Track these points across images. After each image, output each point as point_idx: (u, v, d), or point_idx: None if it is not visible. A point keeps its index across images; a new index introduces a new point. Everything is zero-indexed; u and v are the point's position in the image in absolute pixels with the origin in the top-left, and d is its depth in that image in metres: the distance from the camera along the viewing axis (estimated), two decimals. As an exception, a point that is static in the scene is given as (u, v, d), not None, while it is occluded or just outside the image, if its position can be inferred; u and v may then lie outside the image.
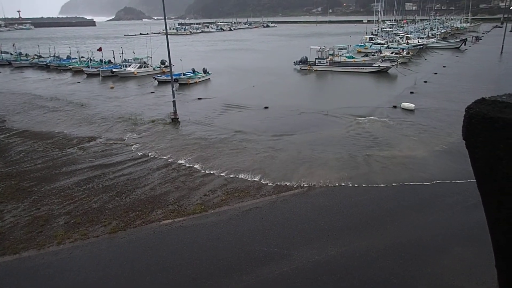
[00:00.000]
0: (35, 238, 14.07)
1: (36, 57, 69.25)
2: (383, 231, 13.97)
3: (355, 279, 11.48)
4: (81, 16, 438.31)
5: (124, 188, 18.02)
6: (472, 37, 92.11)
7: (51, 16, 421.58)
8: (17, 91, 43.92)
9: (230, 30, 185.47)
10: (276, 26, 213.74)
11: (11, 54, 73.17)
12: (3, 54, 72.87)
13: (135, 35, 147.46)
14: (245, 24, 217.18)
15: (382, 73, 49.23)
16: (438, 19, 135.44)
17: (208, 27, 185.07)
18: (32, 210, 16.17)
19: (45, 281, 11.81)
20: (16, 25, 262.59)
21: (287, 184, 17.98)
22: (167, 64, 51.12)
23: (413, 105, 31.19)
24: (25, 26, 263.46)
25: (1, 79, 53.79)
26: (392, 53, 59.56)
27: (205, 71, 48.26)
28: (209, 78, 48.40)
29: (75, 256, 13.03)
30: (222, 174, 19.30)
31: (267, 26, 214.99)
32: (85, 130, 28.00)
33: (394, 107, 31.90)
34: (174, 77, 34.71)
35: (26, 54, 72.58)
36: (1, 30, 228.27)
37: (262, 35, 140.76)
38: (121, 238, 13.98)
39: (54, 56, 66.05)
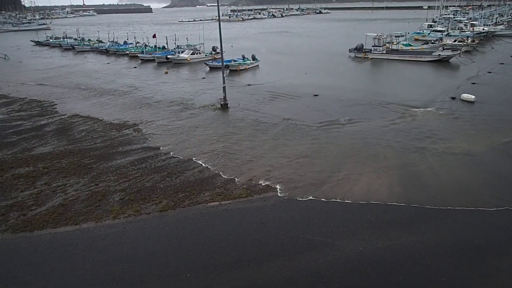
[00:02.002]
0: (94, 211, 15.14)
1: (97, 42, 73.28)
2: (434, 228, 13.40)
3: (400, 274, 11.19)
4: (139, 3, 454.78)
5: (174, 169, 18.78)
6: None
7: (111, 3, 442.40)
8: (78, 74, 46.88)
9: (282, 16, 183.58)
10: (329, 12, 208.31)
11: (74, 39, 77.98)
12: (67, 39, 77.87)
13: (188, 21, 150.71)
14: (297, 11, 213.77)
15: (442, 62, 46.44)
16: (509, 5, 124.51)
17: (260, 14, 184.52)
18: (91, 185, 17.38)
19: (101, 251, 12.72)
20: (80, 11, 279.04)
21: (334, 174, 17.75)
22: (218, 50, 52.01)
23: (473, 97, 29.24)
24: (88, 12, 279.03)
25: (65, 62, 57.60)
26: (455, 41, 55.87)
27: (253, 58, 48.47)
28: (258, 65, 48.54)
29: (128, 230, 13.87)
30: (269, 161, 19.44)
31: (320, 12, 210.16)
32: (140, 112, 29.33)
33: (453, 98, 30.13)
34: (224, 64, 35.16)
35: (89, 40, 76.95)
36: (68, 16, 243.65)
37: (315, 21, 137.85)
38: (171, 217, 14.65)
39: (112, 41, 69.57)
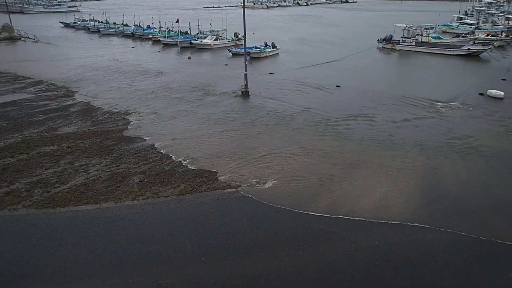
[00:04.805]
0: (114, 192, 15.52)
1: (122, 25, 74.11)
2: (452, 226, 13.14)
3: (415, 269, 11.06)
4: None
5: (193, 154, 18.97)
6: None
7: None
8: (104, 57, 47.61)
9: (307, 5, 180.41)
10: (356, 2, 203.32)
11: (99, 22, 79.03)
12: (93, 22, 79.05)
13: (213, 7, 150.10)
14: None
15: (472, 57, 44.86)
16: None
17: (285, 1, 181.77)
18: (112, 166, 17.78)
19: (120, 231, 13.07)
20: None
21: (354, 167, 17.56)
22: (240, 36, 51.86)
23: (502, 93, 28.24)
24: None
25: (92, 45, 58.52)
26: (487, 35, 53.75)
27: (273, 46, 48.23)
28: (278, 53, 48.22)
29: (147, 212, 14.17)
30: (286, 152, 19.39)
31: (346, 1, 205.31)
32: (162, 97, 29.63)
33: (481, 94, 29.17)
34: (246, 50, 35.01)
35: (114, 23, 77.85)
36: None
37: (341, 11, 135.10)
38: (188, 201, 14.87)
39: (136, 25, 70.37)
